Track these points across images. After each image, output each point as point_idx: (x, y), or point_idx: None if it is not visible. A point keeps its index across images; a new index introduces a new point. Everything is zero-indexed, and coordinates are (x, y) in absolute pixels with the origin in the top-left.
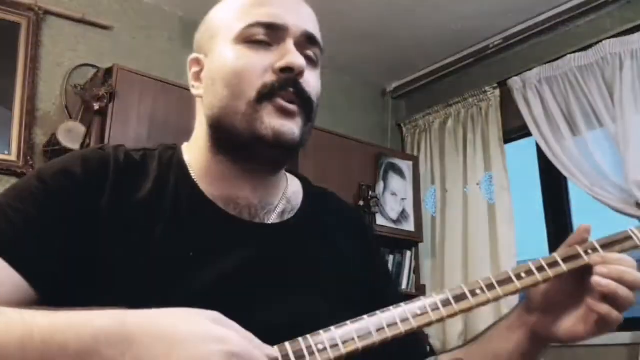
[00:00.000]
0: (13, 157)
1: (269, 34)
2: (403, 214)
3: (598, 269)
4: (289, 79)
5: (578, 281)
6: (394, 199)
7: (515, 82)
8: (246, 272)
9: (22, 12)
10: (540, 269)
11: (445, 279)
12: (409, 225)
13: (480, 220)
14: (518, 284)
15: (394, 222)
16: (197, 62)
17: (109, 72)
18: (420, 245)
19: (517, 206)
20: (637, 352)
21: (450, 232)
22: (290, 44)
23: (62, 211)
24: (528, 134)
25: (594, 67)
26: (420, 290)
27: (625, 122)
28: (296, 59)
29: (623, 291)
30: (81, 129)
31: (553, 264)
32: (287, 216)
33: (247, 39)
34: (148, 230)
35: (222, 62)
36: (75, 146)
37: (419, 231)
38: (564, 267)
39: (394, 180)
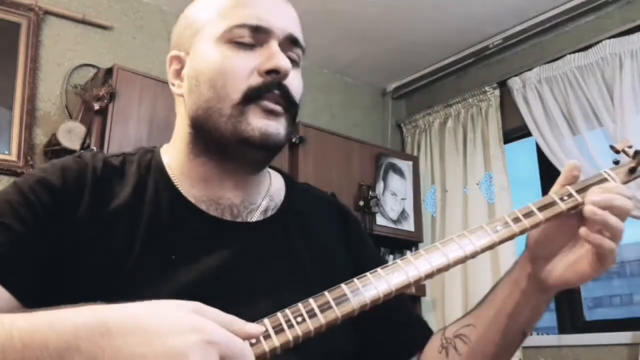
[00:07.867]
0: (13, 157)
1: (254, 36)
2: (403, 214)
3: (591, 197)
4: (274, 80)
5: (575, 222)
6: (394, 199)
7: (515, 82)
8: (229, 272)
9: (22, 12)
10: (516, 220)
11: (445, 278)
12: (409, 225)
13: (480, 220)
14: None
15: (394, 222)
16: (178, 59)
17: (109, 72)
18: (420, 245)
19: (517, 206)
20: (637, 352)
21: (450, 232)
22: (275, 45)
23: (42, 222)
24: (528, 134)
25: (594, 67)
26: (420, 290)
27: (625, 122)
28: (282, 61)
29: (611, 219)
30: (81, 129)
31: (528, 214)
32: (270, 213)
33: (231, 40)
34: (129, 235)
35: (206, 62)
36: (76, 146)
37: (419, 231)
38: (540, 216)
39: (394, 180)
